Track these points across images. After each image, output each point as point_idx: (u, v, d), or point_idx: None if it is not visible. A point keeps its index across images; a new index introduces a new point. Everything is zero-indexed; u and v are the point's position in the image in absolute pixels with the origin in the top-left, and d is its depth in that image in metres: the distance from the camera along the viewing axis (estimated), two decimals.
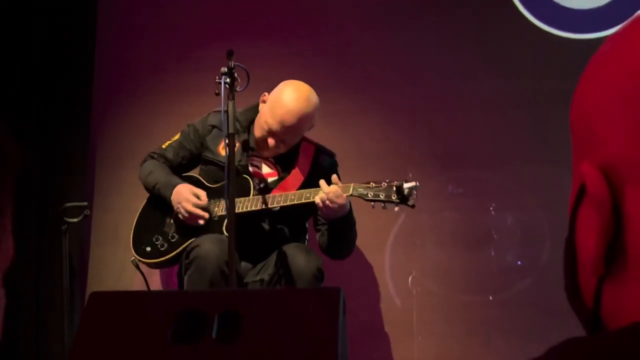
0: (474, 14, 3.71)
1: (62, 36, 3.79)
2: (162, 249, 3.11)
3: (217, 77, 2.74)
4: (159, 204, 3.17)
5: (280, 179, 3.15)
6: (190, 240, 3.01)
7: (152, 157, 3.25)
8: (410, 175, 3.23)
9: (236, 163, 2.85)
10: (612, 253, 0.57)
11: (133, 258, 3.14)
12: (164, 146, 3.26)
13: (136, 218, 3.22)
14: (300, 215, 3.15)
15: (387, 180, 2.90)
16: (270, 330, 1.91)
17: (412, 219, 3.62)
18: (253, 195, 3.03)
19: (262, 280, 3.01)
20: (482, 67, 3.68)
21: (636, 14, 0.58)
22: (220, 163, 3.09)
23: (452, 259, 3.61)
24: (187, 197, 3.05)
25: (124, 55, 3.91)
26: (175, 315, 1.94)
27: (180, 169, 3.24)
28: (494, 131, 3.66)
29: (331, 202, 2.86)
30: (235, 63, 2.73)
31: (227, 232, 2.97)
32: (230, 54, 2.72)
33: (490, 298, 3.57)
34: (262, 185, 3.12)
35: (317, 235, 3.14)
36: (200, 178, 3.19)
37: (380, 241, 3.64)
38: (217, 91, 2.74)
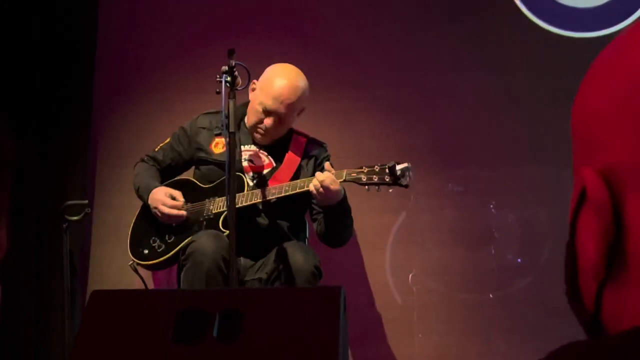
0: (474, 13, 3.70)
1: (63, 34, 3.79)
2: (160, 250, 3.13)
3: (217, 76, 2.75)
4: None
5: (273, 170, 3.16)
6: (187, 239, 3.03)
7: (143, 160, 3.30)
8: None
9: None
10: (612, 257, 0.57)
11: (131, 262, 3.16)
12: (156, 149, 3.30)
13: (133, 222, 3.24)
14: (297, 207, 3.16)
15: (379, 164, 2.92)
16: (271, 329, 1.92)
17: (413, 217, 3.62)
18: (247, 190, 3.05)
19: (260, 279, 3.03)
20: (483, 65, 3.68)
21: (637, 21, 0.59)
22: (215, 161, 3.11)
23: (453, 257, 3.61)
24: (161, 199, 3.09)
25: (124, 53, 3.91)
26: (176, 314, 1.94)
27: (170, 171, 3.28)
28: (494, 129, 3.66)
29: (325, 188, 2.87)
30: (236, 62, 2.74)
31: (223, 228, 3.00)
32: (231, 53, 2.73)
33: (491, 296, 3.57)
34: (255, 181, 3.14)
35: (315, 224, 3.15)
36: (194, 181, 3.21)
37: (380, 239, 3.64)
38: (217, 90, 2.75)
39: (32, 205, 3.64)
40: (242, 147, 3.17)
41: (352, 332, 3.24)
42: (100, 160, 3.85)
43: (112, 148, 3.84)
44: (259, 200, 3.02)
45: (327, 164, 2.97)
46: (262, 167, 3.17)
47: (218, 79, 2.74)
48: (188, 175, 3.30)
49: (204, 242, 2.90)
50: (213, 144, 3.18)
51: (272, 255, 3.04)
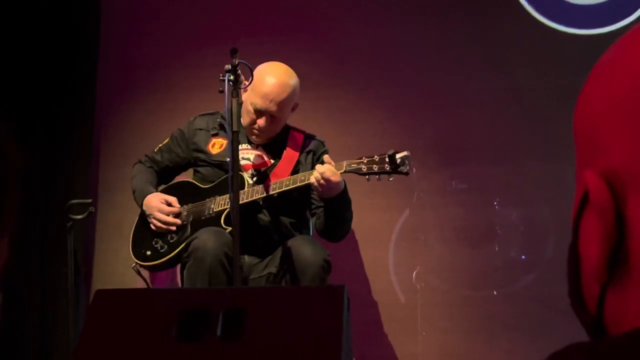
0: (476, 10, 3.70)
1: (66, 34, 3.79)
2: (162, 250, 3.13)
3: (220, 75, 2.75)
4: None
5: (272, 166, 3.16)
6: (189, 238, 3.03)
7: (140, 162, 3.31)
8: (415, 171, 3.23)
9: (227, 159, 2.86)
10: (614, 260, 0.57)
11: (134, 265, 3.16)
12: (155, 150, 3.31)
13: (134, 224, 3.24)
14: (298, 204, 3.16)
15: (379, 153, 2.91)
16: (275, 327, 1.92)
17: (416, 215, 3.62)
18: (248, 187, 3.05)
19: (269, 274, 3.02)
20: (485, 62, 3.68)
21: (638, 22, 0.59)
22: (214, 161, 3.11)
23: (456, 255, 3.61)
24: (157, 206, 3.10)
25: (127, 52, 3.91)
26: (180, 313, 1.94)
27: (168, 172, 3.29)
28: (497, 127, 3.66)
29: (326, 180, 2.87)
30: (239, 60, 2.74)
31: (225, 225, 3.00)
32: (234, 52, 2.73)
33: (495, 293, 3.57)
34: (255, 178, 3.14)
35: (314, 219, 3.14)
36: (194, 182, 3.22)
37: (384, 237, 3.64)
38: (220, 88, 2.75)
39: (36, 205, 3.64)
40: (239, 146, 3.17)
41: (356, 330, 3.24)
42: (103, 159, 3.86)
43: (116, 147, 3.85)
44: (260, 196, 3.02)
45: (326, 157, 2.96)
46: (261, 165, 3.17)
47: (221, 78, 2.74)
48: (188, 176, 3.29)
49: (205, 238, 2.90)
50: (210, 144, 3.19)
51: (279, 250, 3.04)
